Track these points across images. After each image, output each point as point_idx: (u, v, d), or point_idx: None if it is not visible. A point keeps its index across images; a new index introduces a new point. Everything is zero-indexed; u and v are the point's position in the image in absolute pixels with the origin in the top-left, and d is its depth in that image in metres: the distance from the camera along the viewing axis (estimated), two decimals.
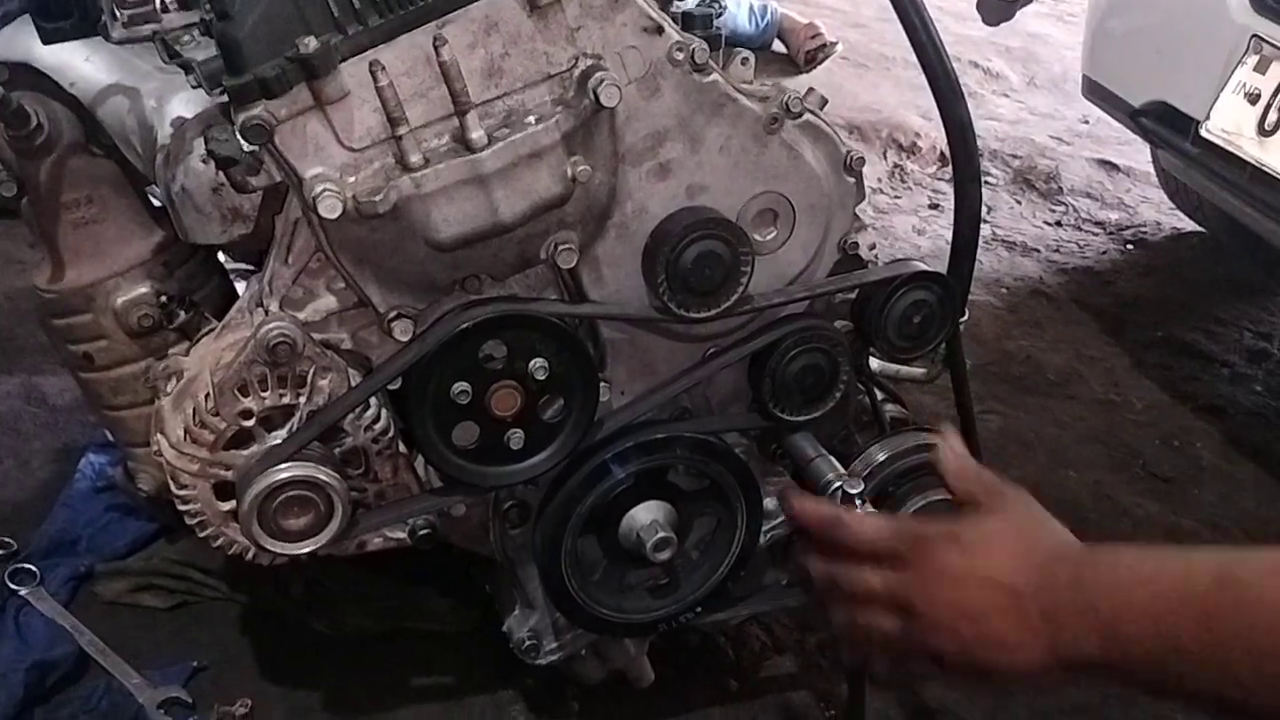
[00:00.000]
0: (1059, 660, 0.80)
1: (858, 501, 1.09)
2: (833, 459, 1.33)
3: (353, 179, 1.06)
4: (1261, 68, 2.07)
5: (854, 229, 1.32)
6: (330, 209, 1.03)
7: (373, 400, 1.21)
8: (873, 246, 1.35)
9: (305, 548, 1.19)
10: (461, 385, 1.17)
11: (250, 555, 1.24)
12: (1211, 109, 2.18)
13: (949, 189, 3.67)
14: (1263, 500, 2.29)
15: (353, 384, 1.19)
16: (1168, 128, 2.32)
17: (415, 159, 1.05)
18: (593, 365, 1.24)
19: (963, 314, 1.40)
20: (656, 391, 1.31)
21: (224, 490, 1.20)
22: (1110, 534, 2.06)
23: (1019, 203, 3.66)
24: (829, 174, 1.26)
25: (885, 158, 3.72)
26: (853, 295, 1.36)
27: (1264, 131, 2.04)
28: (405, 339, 1.16)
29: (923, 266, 1.33)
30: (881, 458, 1.43)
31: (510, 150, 1.06)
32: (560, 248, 1.15)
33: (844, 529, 0.97)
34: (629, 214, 1.20)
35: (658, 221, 1.20)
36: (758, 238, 1.25)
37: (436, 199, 1.06)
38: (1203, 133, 2.19)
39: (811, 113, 1.23)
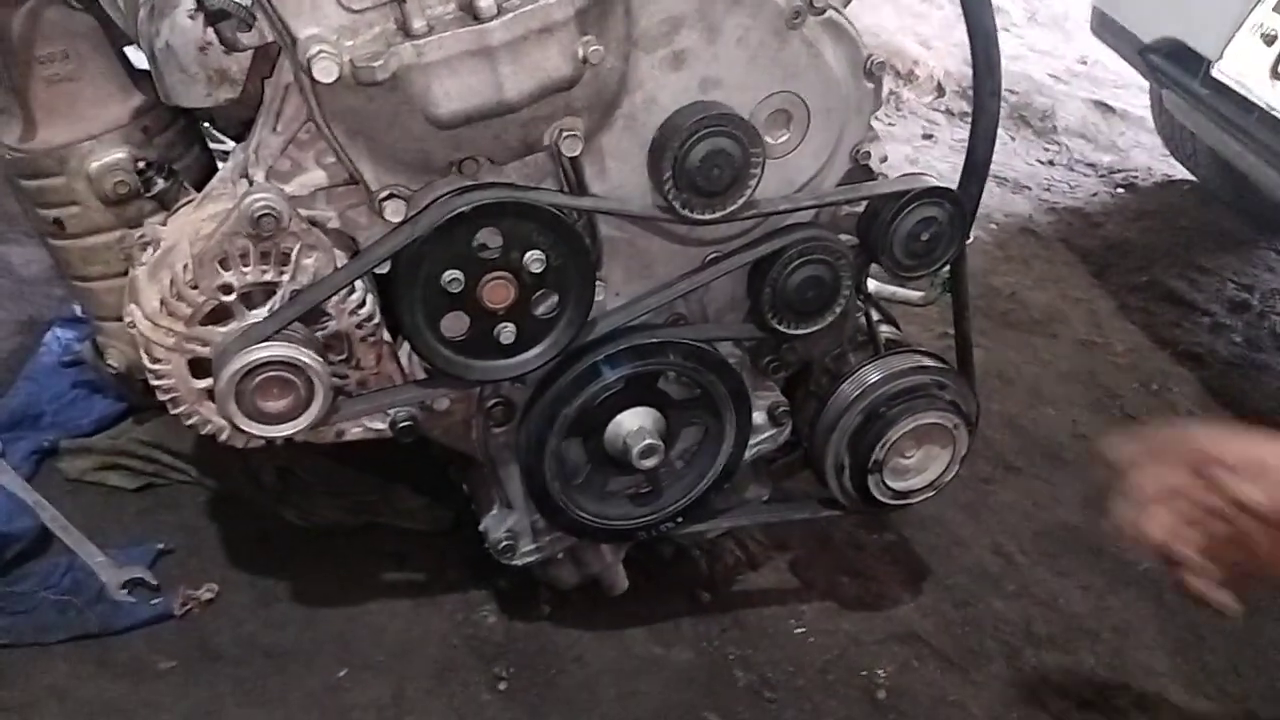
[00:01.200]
0: None
1: None
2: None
3: (351, 43, 1.00)
4: None
5: (867, 138, 1.28)
6: (325, 72, 0.97)
7: (359, 283, 1.16)
8: (884, 159, 1.30)
9: (283, 431, 1.15)
10: (453, 273, 1.13)
11: (225, 436, 1.20)
12: (1225, 49, 2.13)
13: (944, 120, 3.63)
14: None
15: (339, 265, 1.14)
16: (1177, 66, 2.27)
17: (419, 25, 0.99)
18: (590, 262, 1.19)
19: (969, 236, 1.37)
20: (653, 294, 1.27)
21: (200, 367, 1.15)
22: (1084, 473, 2.07)
23: (1013, 139, 3.61)
24: (848, 77, 1.21)
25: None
26: (860, 208, 1.32)
27: (1277, 75, 2.00)
28: (397, 220, 1.11)
29: (935, 181, 1.29)
30: (875, 378, 1.41)
31: (520, 23, 1.00)
32: (565, 134, 1.10)
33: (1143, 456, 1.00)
34: (638, 104, 1.15)
35: (667, 115, 1.15)
36: (769, 140, 1.20)
37: (438, 70, 1.00)
38: (1214, 73, 2.14)
39: (835, 9, 1.17)
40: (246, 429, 1.13)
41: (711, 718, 1.50)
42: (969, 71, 1.34)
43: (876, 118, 1.29)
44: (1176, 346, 2.61)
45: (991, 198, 3.19)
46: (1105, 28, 2.62)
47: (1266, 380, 2.52)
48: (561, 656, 1.55)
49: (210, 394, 1.14)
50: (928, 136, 3.44)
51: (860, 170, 1.29)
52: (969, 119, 1.38)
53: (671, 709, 1.51)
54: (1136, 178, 3.46)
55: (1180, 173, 3.37)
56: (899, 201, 1.27)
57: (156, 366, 1.16)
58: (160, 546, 1.58)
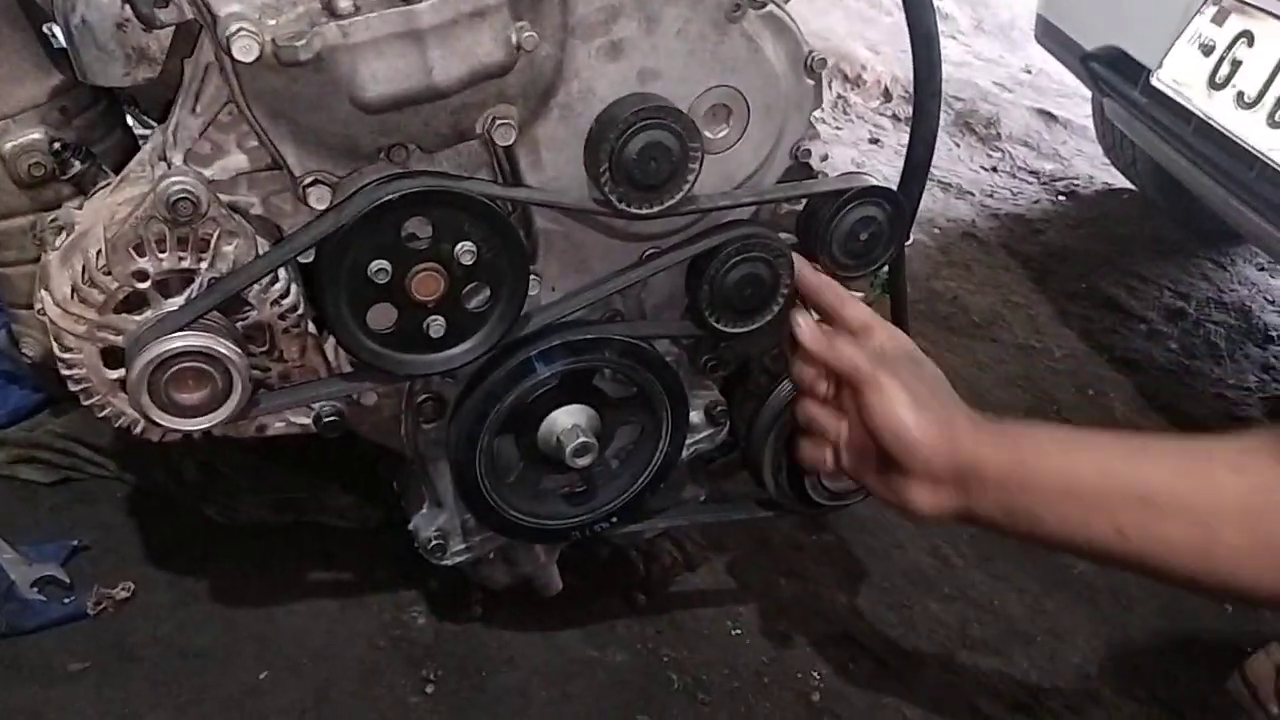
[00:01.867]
0: (957, 516, 0.99)
1: None
2: None
3: (273, 22, 0.95)
4: (1219, 19, 2.05)
5: (808, 136, 1.26)
6: (245, 51, 0.93)
7: (282, 272, 1.12)
8: (825, 157, 1.29)
9: (199, 424, 1.10)
10: (380, 263, 1.09)
11: (139, 429, 1.15)
12: (1165, 58, 2.15)
13: (890, 125, 3.65)
14: None
15: (261, 253, 1.10)
16: (1118, 74, 2.29)
17: (344, 5, 0.95)
18: (524, 255, 1.16)
19: (908, 237, 1.36)
20: (589, 290, 1.24)
21: (113, 356, 1.10)
22: None
23: (957, 145, 3.65)
24: (788, 73, 1.19)
25: (830, 88, 3.66)
26: (799, 206, 1.31)
27: (1214, 85, 2.02)
28: (321, 207, 1.07)
29: (875, 181, 1.27)
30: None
31: (451, 5, 0.97)
32: (498, 123, 1.07)
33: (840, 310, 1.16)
34: (574, 94, 1.12)
35: (604, 105, 1.12)
36: (708, 134, 1.18)
37: (365, 52, 0.97)
38: (1153, 81, 2.17)
39: (775, 4, 1.16)
40: (160, 422, 1.08)
41: None
42: None
43: (823, 121, 1.28)
44: (1114, 352, 2.65)
45: (935, 203, 3.22)
46: (1049, 35, 2.65)
47: (1200, 386, 2.56)
48: (492, 658, 1.52)
49: (123, 385, 1.09)
50: (874, 141, 3.46)
51: (800, 168, 1.28)
52: None
53: (605, 712, 1.49)
54: (1078, 185, 3.51)
55: (1120, 181, 3.43)
56: (838, 200, 1.26)
57: (68, 356, 1.11)
58: (75, 543, 1.51)
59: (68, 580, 1.46)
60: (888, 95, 3.76)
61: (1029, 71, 4.28)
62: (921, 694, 1.60)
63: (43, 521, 1.57)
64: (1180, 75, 2.12)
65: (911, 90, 1.29)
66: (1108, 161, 3.39)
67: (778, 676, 1.57)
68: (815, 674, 1.58)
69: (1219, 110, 2.01)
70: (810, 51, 1.20)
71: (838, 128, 3.54)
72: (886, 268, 1.39)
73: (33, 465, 1.62)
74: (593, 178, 1.14)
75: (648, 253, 1.26)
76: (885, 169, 3.24)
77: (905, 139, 1.32)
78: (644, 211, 1.16)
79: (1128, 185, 3.40)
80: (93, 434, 1.61)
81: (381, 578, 1.58)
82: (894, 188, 1.31)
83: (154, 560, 1.54)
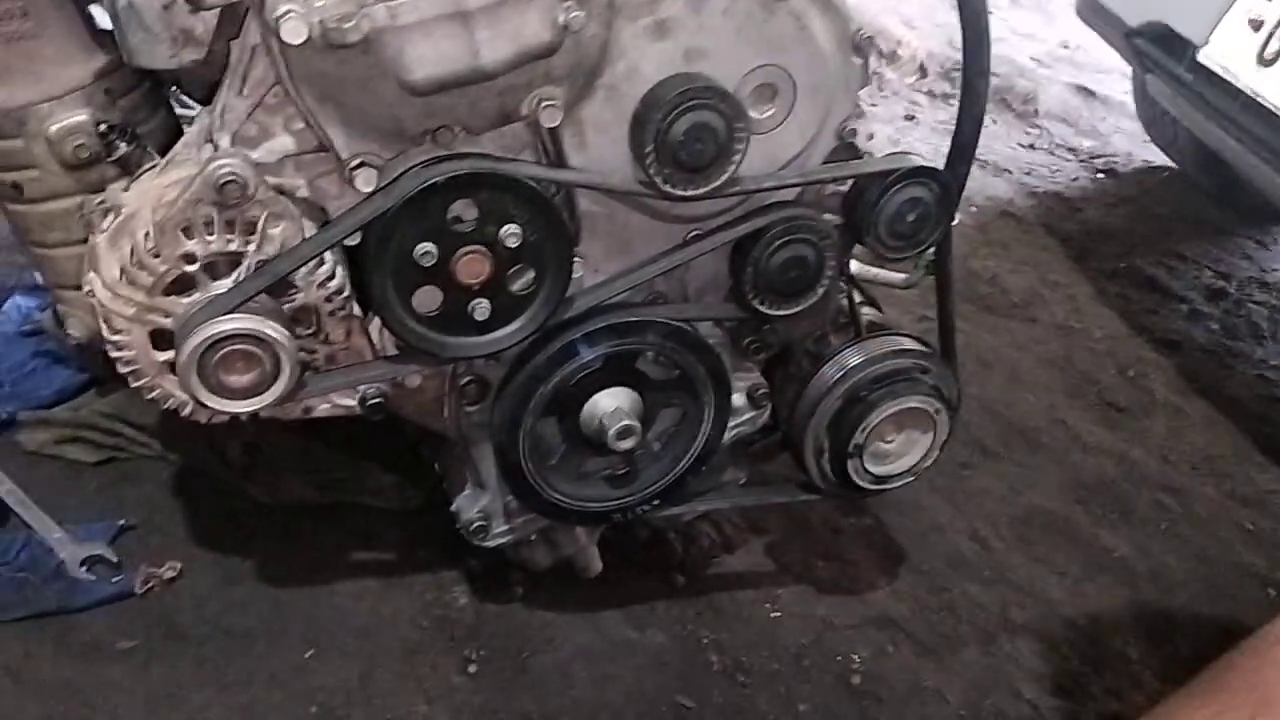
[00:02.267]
0: None
1: None
2: None
3: (321, 3, 0.95)
4: None
5: (854, 115, 1.24)
6: (294, 33, 0.93)
7: (328, 255, 1.12)
8: (871, 136, 1.27)
9: (246, 406, 1.11)
10: (426, 246, 1.09)
11: (187, 411, 1.16)
12: (1212, 34, 2.11)
13: (926, 101, 3.60)
14: (1211, 437, 2.30)
15: (307, 235, 1.10)
16: (1163, 51, 2.25)
17: None
18: (569, 237, 1.16)
19: (955, 218, 1.35)
20: (633, 272, 1.24)
21: (162, 338, 1.11)
22: (1061, 458, 2.06)
23: (994, 122, 3.59)
24: (835, 52, 1.18)
25: None
26: (845, 187, 1.29)
27: (1263, 61, 1.98)
28: (368, 190, 1.07)
29: (922, 161, 1.26)
30: (856, 361, 1.39)
31: None
32: (544, 104, 1.07)
33: None
34: (620, 74, 1.11)
35: (650, 86, 1.12)
36: (754, 114, 1.17)
37: (413, 33, 0.96)
38: (1200, 58, 2.12)
39: None
40: (209, 404, 1.09)
41: (684, 702, 1.48)
42: (953, 53, 1.32)
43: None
44: (1154, 333, 2.61)
45: (972, 181, 3.15)
46: (1090, 11, 2.60)
47: (1242, 368, 2.52)
48: (533, 639, 1.53)
49: (172, 367, 1.10)
50: (910, 118, 3.41)
51: (846, 148, 1.26)
52: (952, 101, 1.36)
53: (644, 693, 1.49)
54: (1117, 163, 3.45)
55: (1161, 159, 3.37)
56: (885, 181, 1.24)
57: (116, 337, 1.12)
58: (121, 523, 1.53)
59: (115, 559, 1.48)
60: (923, 71, 3.70)
61: (1066, 47, 4.21)
62: (962, 677, 1.59)
63: (90, 501, 1.59)
64: (1228, 51, 2.08)
65: (947, 66, 1.27)
66: (1147, 139, 3.33)
67: (817, 659, 1.57)
68: (855, 657, 1.58)
69: (1268, 87, 1.96)
70: (858, 29, 1.18)
71: (873, 104, 3.49)
72: (932, 250, 1.37)
73: (79, 445, 1.64)
74: (637, 159, 1.14)
75: (691, 234, 1.25)
76: (921, 146, 3.20)
77: (941, 116, 1.31)
78: (689, 193, 1.15)
79: (1168, 163, 3.34)
80: (138, 414, 1.63)
81: (423, 558, 1.59)
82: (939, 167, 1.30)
83: (199, 540, 1.55)
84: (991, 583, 1.76)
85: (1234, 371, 2.50)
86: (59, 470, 1.62)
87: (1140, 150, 3.49)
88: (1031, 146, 3.48)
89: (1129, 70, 3.07)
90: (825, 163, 1.26)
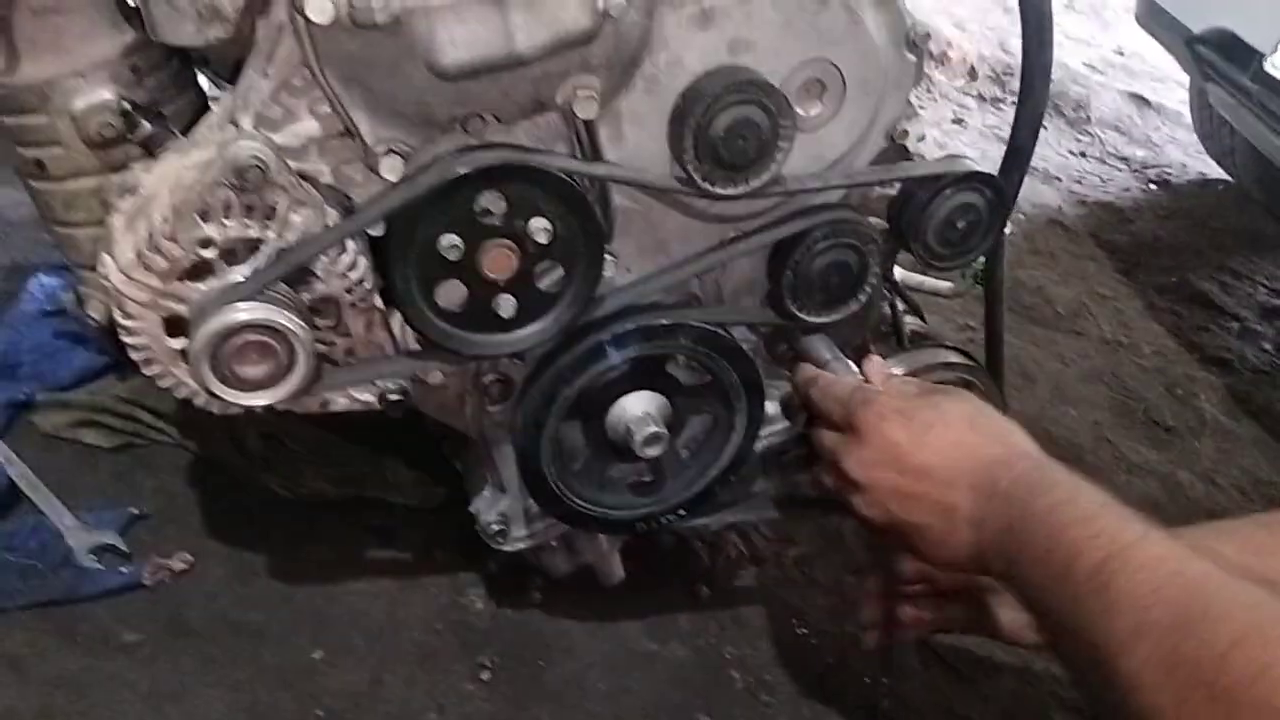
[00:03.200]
0: (973, 563, 0.92)
1: None
2: (850, 364, 1.22)
3: None
4: None
5: (905, 115, 1.18)
6: (320, 11, 0.88)
7: (350, 244, 1.07)
8: (922, 138, 1.21)
9: (261, 399, 1.06)
10: (452, 239, 1.04)
11: (200, 401, 1.12)
12: None
13: (975, 105, 3.52)
14: (1261, 459, 2.22)
15: (329, 223, 1.05)
16: (1227, 59, 2.17)
17: None
18: (600, 234, 1.10)
19: (1007, 227, 1.28)
20: (666, 272, 1.18)
21: (175, 326, 1.07)
22: (1106, 478, 1.99)
23: (1045, 128, 3.50)
24: (888, 47, 1.12)
25: None
26: (892, 190, 1.23)
27: None
28: (394, 178, 1.02)
29: (975, 165, 1.20)
30: (897, 373, 1.32)
31: None
32: (580, 94, 1.01)
33: (813, 388, 1.14)
34: (661, 65, 1.05)
35: (692, 78, 1.06)
36: (800, 111, 1.11)
37: (444, 15, 0.91)
38: (1267, 67, 2.04)
39: None
40: (222, 395, 1.05)
41: (704, 719, 1.43)
42: (1003, 56, 1.26)
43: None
44: (1204, 351, 2.54)
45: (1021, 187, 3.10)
46: (1152, 16, 2.52)
47: None
48: (550, 647, 1.48)
49: (185, 355, 1.06)
50: (958, 121, 3.34)
51: (896, 150, 1.20)
52: (1002, 105, 1.30)
53: (663, 707, 1.44)
54: (1170, 174, 3.36)
55: (1216, 172, 3.28)
56: (936, 185, 1.18)
57: (129, 323, 1.07)
58: (134, 511, 1.49)
59: (126, 550, 1.44)
60: (973, 74, 3.62)
61: (1121, 53, 4.11)
62: (994, 703, 1.53)
63: (103, 487, 1.55)
64: None
65: (998, 70, 1.21)
66: (1202, 150, 3.24)
67: (844, 681, 1.51)
68: (884, 680, 1.52)
69: None
70: (913, 25, 1.12)
71: (920, 106, 3.42)
72: (980, 259, 1.31)
73: (95, 429, 1.60)
74: (676, 155, 1.08)
75: (730, 235, 1.20)
76: (969, 150, 3.12)
77: (990, 120, 1.25)
78: (729, 192, 1.09)
79: (1223, 176, 3.25)
80: (157, 400, 1.59)
81: (440, 558, 1.55)
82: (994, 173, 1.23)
83: (213, 532, 1.52)
84: None
85: None
86: (74, 454, 1.59)
87: (1194, 162, 3.40)
88: (1083, 154, 3.40)
89: (1185, 79, 2.98)
90: (873, 164, 1.20)
